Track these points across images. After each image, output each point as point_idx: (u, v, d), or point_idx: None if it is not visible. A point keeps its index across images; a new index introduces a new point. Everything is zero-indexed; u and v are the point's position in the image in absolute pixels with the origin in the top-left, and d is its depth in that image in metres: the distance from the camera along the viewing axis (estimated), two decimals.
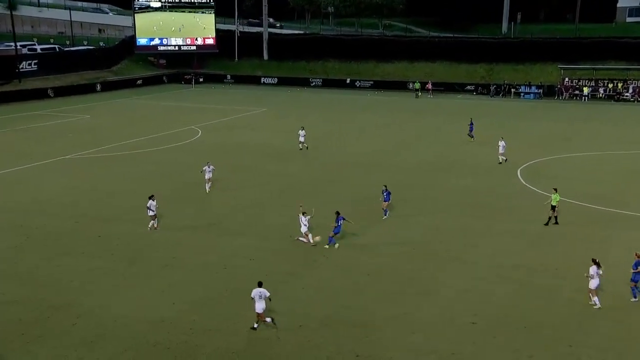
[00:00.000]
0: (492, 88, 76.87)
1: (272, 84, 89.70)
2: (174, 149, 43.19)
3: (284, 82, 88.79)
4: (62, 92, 75.05)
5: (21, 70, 75.20)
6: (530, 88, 75.69)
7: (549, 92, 74.77)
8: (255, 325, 17.86)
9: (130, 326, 17.88)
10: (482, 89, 78.26)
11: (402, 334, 17.57)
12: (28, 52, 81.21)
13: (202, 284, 20.75)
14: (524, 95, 75.45)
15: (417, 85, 76.36)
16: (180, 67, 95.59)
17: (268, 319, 17.84)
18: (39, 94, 72.02)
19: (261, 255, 23.26)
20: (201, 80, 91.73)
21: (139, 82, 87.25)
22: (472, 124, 47.31)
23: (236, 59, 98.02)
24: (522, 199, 29.33)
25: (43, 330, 17.59)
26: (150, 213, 25.99)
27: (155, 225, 26.15)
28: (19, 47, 77.51)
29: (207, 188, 32.23)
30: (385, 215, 27.64)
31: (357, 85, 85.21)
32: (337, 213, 24.06)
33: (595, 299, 19.15)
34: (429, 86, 77.48)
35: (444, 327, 17.96)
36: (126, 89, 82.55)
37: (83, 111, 62.71)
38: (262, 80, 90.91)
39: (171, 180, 34.23)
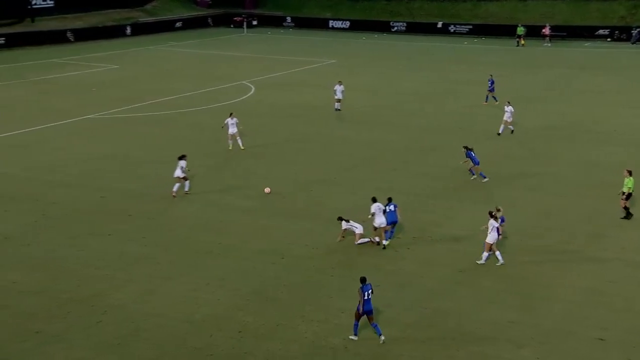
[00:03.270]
0: (634, 32, 73.91)
1: (344, 29, 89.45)
2: (220, 109, 43.90)
3: (358, 26, 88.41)
4: (84, 35, 77.23)
5: (34, 6, 77.64)
6: None
7: None
8: (380, 241, 23.07)
9: (165, 326, 18.50)
10: (620, 34, 75.43)
11: (507, 348, 17.47)
12: None
13: (254, 276, 21.20)
14: None
15: (521, 30, 74.42)
16: (229, 6, 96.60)
17: (381, 239, 23.01)
18: (56, 37, 74.44)
19: (327, 243, 23.49)
20: (255, 23, 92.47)
21: (178, 24, 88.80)
22: (492, 81, 45.47)
23: None
24: None
25: (61, 329, 18.40)
26: (179, 174, 27.70)
27: (182, 189, 28.13)
28: None
29: (230, 144, 33.92)
30: (474, 176, 29.89)
31: (451, 31, 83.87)
32: (389, 199, 23.92)
33: (495, 254, 21.88)
34: (546, 31, 75.30)
35: (562, 343, 17.75)
36: (162, 33, 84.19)
37: (109, 60, 64.49)
38: (331, 23, 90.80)
39: (215, 148, 34.92)
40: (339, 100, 43.16)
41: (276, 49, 73.59)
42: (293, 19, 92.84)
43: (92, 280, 20.92)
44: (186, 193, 28.21)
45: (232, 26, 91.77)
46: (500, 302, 19.71)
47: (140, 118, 41.57)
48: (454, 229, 24.77)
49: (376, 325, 17.71)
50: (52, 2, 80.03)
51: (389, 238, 23.55)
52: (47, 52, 67.88)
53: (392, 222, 23.50)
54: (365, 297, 17.42)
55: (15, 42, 70.08)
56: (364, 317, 17.68)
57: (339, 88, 43.14)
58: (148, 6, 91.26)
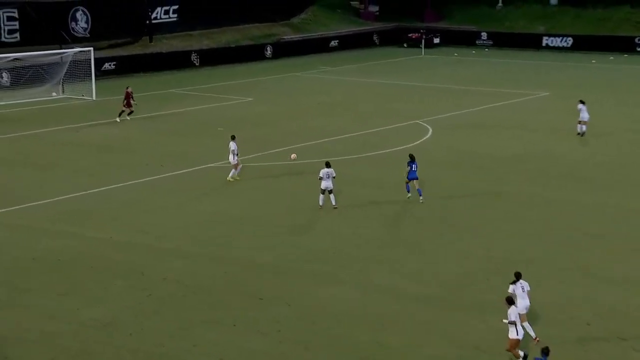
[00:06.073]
0: None
1: (564, 48, 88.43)
2: (386, 158, 44.18)
3: (584, 44, 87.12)
4: (212, 57, 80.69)
5: (154, 21, 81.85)
6: None
7: None
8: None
9: None
10: None
11: None
12: None
13: None
14: None
15: None
16: (402, 17, 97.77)
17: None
18: (178, 61, 78.43)
19: (535, 350, 22.83)
20: (436, 41, 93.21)
21: (333, 43, 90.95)
22: None
23: (499, 4, 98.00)
24: None
25: None
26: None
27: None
28: None
29: (230, 176, 39.50)
30: (412, 194, 35.66)
31: None
32: None
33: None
34: None
35: None
36: (312, 55, 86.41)
37: (242, 90, 66.89)
38: (545, 41, 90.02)
39: (375, 210, 35.24)
40: (583, 122, 47.38)
41: (465, 76, 73.66)
42: (490, 35, 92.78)
43: None
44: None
45: (405, 45, 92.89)
46: None
47: (279, 168, 42.62)
48: None
49: None
50: (175, 15, 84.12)
51: None
52: (165, 80, 71.41)
53: None
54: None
55: (128, 67, 74.28)
56: None
57: (582, 107, 47.17)
58: (295, 19, 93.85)
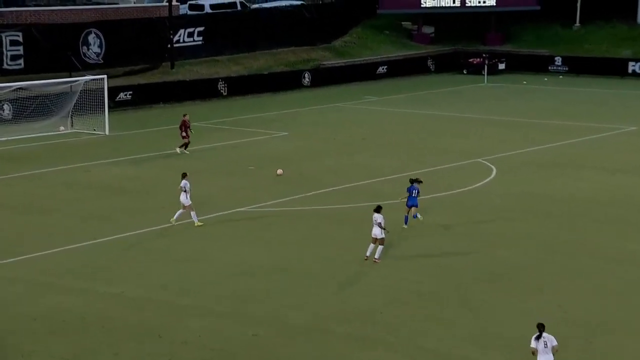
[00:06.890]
0: None
1: None
2: (441, 202, 44.11)
3: None
4: (242, 86, 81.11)
5: (176, 45, 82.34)
6: None
7: None
8: None
9: None
10: None
11: None
12: (189, 13, 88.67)
13: None
14: None
15: None
16: (461, 40, 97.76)
17: None
18: (203, 90, 78.86)
19: None
20: (501, 67, 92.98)
21: (381, 69, 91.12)
22: None
23: (577, 24, 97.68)
24: None
25: None
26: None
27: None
28: (174, 2, 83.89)
29: (176, 216, 39.80)
30: (406, 223, 38.64)
31: None
32: None
33: None
34: None
35: None
36: (354, 84, 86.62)
37: (277, 123, 67.23)
38: (631, 67, 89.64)
39: (433, 267, 35.13)
40: None
41: (535, 107, 73.50)
42: (565, 60, 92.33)
43: None
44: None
45: (465, 72, 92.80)
46: None
47: (318, 213, 42.83)
48: None
49: None
50: (200, 38, 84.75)
51: None
52: (188, 112, 69.48)
53: None
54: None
55: (146, 97, 74.76)
56: None
57: None
58: (337, 43, 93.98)
